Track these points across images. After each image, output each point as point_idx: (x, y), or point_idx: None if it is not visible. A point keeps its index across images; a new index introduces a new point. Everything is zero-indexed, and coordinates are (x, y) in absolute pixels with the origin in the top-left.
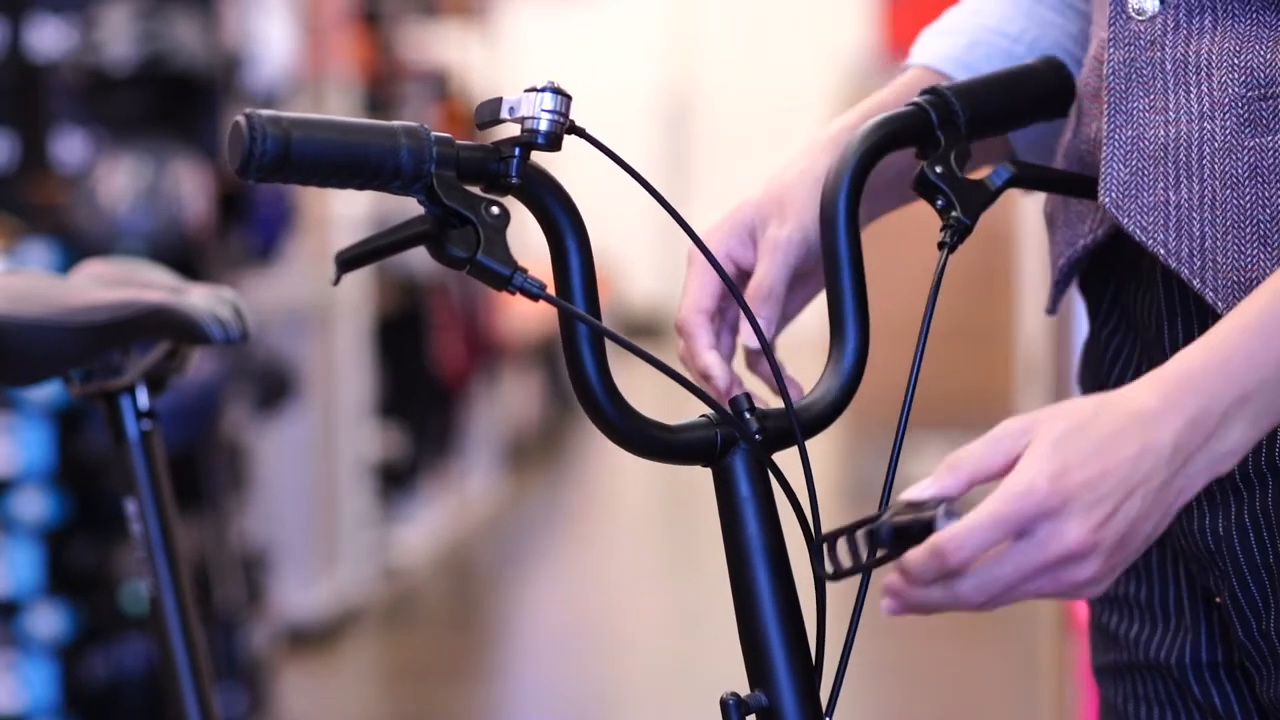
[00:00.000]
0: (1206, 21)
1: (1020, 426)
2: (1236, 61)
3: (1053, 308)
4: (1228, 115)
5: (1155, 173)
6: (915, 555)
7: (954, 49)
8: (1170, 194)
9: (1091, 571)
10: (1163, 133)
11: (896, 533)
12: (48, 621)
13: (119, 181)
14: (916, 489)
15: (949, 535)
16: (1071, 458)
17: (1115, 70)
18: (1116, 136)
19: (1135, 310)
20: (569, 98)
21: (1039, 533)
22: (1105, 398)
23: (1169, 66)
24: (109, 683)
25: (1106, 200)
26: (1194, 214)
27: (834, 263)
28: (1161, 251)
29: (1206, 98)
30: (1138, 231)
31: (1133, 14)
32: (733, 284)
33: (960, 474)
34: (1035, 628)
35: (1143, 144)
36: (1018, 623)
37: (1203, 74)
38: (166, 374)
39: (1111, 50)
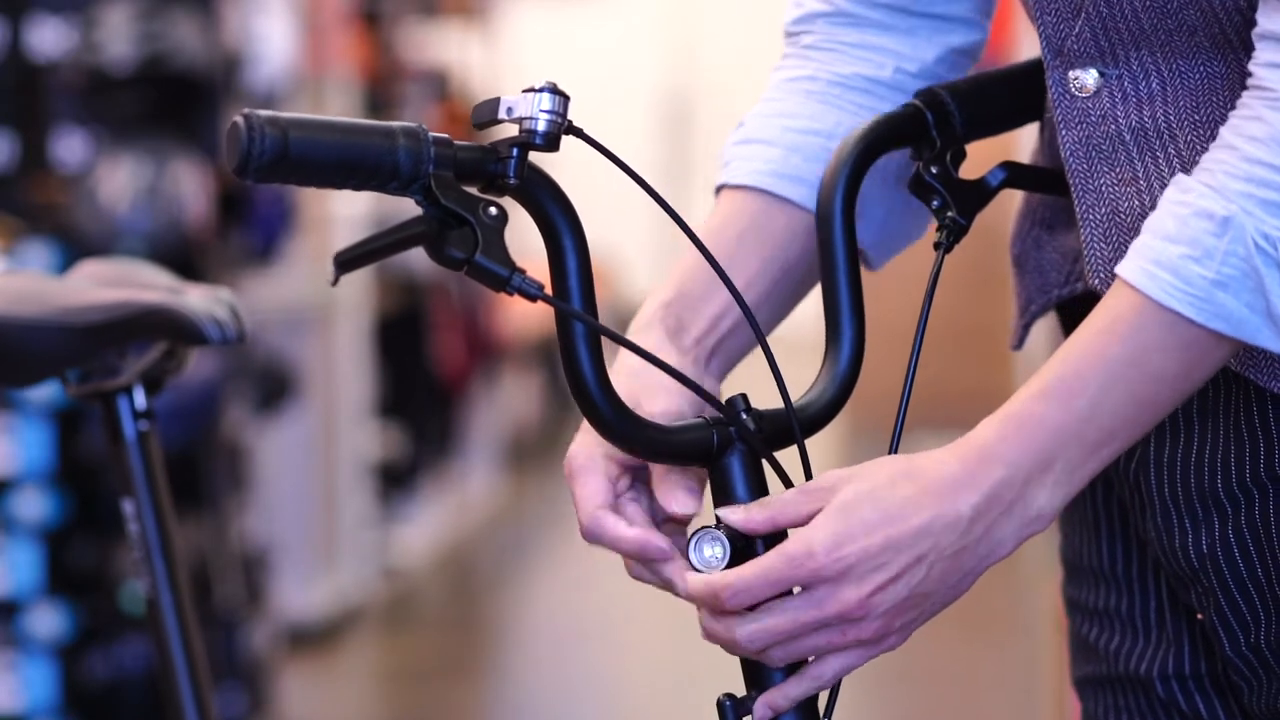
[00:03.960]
0: (1154, 85)
1: (833, 480)
2: (1197, 118)
3: (1018, 344)
4: None
5: None
6: (695, 585)
7: (770, 164)
8: None
9: (874, 630)
10: (1137, 203)
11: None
12: (48, 621)
13: (119, 181)
14: (729, 511)
15: (725, 581)
16: (856, 525)
17: (1073, 151)
18: (1091, 216)
19: None
20: (567, 98)
21: (816, 591)
22: (912, 462)
23: (1128, 138)
24: (109, 683)
25: (1095, 281)
26: None
27: (830, 262)
28: None
29: (1176, 160)
30: None
31: (1075, 92)
32: (725, 274)
33: (765, 514)
34: (1035, 628)
35: (1119, 218)
36: (1018, 623)
37: (1165, 138)
38: (163, 374)
39: (1064, 131)
